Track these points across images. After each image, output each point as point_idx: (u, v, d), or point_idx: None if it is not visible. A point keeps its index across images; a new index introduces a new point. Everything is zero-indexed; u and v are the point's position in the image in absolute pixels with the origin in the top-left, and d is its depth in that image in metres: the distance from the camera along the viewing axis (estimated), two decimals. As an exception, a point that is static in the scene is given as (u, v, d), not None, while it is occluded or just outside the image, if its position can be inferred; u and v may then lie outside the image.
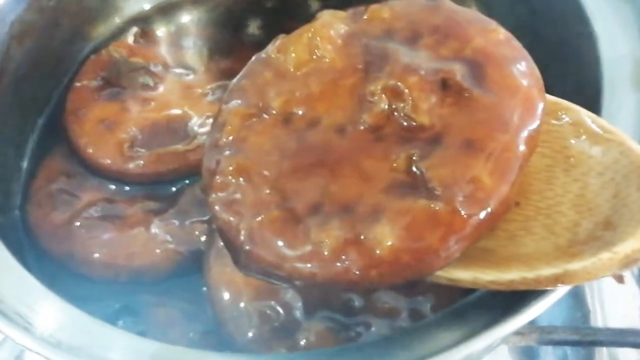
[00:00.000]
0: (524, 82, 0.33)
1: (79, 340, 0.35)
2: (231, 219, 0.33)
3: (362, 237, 0.30)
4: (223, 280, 0.45)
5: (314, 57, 0.37)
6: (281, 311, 0.43)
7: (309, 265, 0.30)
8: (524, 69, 0.33)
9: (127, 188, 0.52)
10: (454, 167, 0.31)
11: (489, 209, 0.30)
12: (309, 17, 0.38)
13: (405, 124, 0.33)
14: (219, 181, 0.34)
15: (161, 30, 0.62)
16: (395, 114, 0.34)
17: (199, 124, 0.53)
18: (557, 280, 0.31)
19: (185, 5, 0.63)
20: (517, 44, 0.35)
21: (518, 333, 0.54)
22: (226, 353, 0.42)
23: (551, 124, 0.35)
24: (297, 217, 0.32)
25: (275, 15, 0.62)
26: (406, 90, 0.34)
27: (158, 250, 0.48)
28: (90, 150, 0.52)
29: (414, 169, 0.32)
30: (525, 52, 0.34)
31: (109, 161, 0.52)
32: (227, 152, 0.35)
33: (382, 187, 0.32)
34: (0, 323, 0.35)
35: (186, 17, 0.63)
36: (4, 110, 0.53)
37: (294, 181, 0.33)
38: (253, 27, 0.62)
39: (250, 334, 0.43)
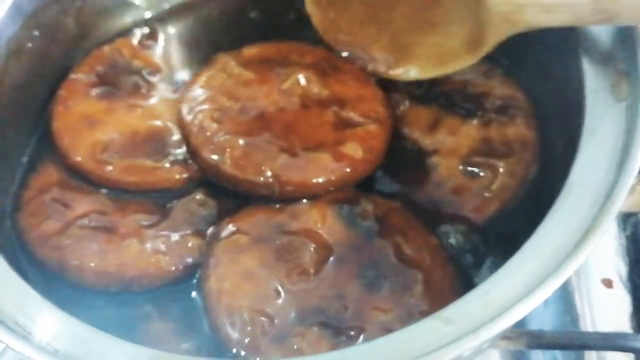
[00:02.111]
0: None
1: (76, 348, 0.36)
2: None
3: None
4: (220, 288, 0.46)
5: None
6: (276, 317, 0.44)
7: (269, 171, 0.48)
8: None
9: (120, 200, 0.52)
10: (359, 107, 0.52)
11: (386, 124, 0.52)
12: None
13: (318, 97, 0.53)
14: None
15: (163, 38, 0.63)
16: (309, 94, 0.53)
17: (177, 144, 0.53)
18: None
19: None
20: None
21: (507, 337, 0.55)
22: (220, 359, 0.44)
23: None
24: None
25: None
26: (304, 80, 0.54)
27: (150, 261, 0.48)
28: (66, 143, 0.53)
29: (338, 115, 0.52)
30: None
31: (79, 158, 0.52)
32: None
33: (322, 129, 0.51)
34: (0, 332, 0.36)
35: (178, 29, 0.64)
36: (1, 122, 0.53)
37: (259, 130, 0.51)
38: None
39: (246, 340, 0.43)
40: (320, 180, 0.49)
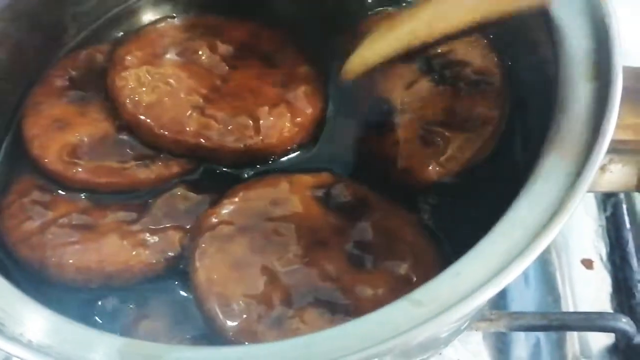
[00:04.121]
0: None
1: (50, 339, 0.35)
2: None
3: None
4: (209, 278, 0.45)
5: None
6: (270, 302, 0.44)
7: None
8: None
9: (100, 201, 0.51)
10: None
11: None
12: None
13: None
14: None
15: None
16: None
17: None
18: None
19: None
20: None
21: (487, 319, 0.56)
22: (219, 347, 0.43)
23: None
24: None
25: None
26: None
27: (131, 255, 0.48)
28: (36, 145, 0.53)
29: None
30: None
31: (46, 160, 0.52)
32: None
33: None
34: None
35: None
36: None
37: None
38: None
39: (242, 327, 0.43)
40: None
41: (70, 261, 0.48)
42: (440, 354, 0.59)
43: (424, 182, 0.50)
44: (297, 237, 0.47)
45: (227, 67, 0.56)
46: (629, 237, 0.66)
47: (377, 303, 0.41)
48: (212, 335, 0.44)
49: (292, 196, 0.49)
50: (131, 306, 0.48)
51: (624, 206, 0.68)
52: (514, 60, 0.55)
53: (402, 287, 0.44)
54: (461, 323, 0.47)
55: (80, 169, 0.52)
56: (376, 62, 0.49)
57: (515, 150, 0.51)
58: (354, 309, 0.44)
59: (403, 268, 0.46)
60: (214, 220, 0.48)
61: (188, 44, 0.57)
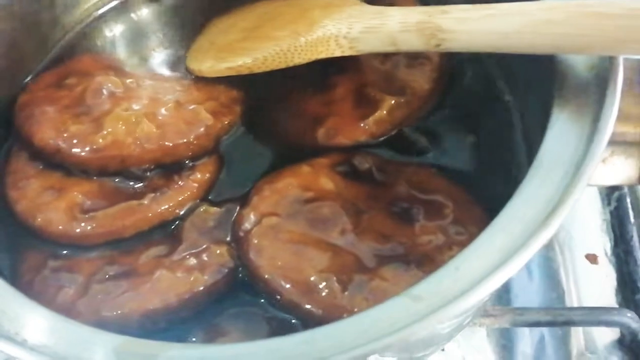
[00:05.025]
0: None
1: (45, 338, 0.35)
2: None
3: None
4: (277, 269, 0.45)
5: None
6: (344, 271, 0.44)
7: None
8: None
9: (120, 248, 0.49)
10: None
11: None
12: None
13: None
14: None
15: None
16: None
17: (143, 172, 0.52)
18: None
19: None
20: None
21: (490, 315, 0.55)
22: (215, 344, 0.43)
23: None
24: None
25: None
26: None
27: (190, 281, 0.46)
28: (40, 220, 0.50)
29: None
30: None
31: (60, 227, 0.49)
32: None
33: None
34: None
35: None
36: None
37: None
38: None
39: (327, 301, 0.43)
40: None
41: (132, 309, 0.45)
42: (443, 350, 0.58)
43: (347, 144, 0.52)
44: (339, 211, 0.47)
45: None
46: (634, 231, 0.66)
47: (437, 247, 0.45)
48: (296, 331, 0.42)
49: (318, 177, 0.50)
50: (203, 330, 0.46)
51: (628, 200, 0.68)
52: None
53: (453, 228, 0.46)
54: (463, 319, 0.47)
55: (98, 222, 0.49)
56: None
57: (517, 141, 0.51)
58: (421, 257, 0.45)
59: (448, 210, 0.47)
60: (255, 217, 0.48)
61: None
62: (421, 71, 0.54)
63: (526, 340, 0.61)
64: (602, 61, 0.41)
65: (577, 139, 0.39)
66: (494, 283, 0.34)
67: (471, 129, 0.53)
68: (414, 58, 0.55)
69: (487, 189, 0.49)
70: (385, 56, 0.55)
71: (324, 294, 0.43)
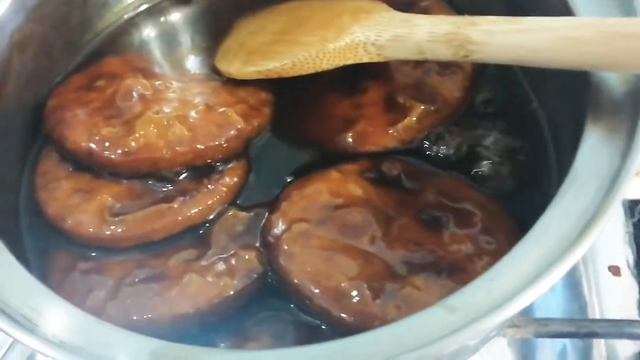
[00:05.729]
0: None
1: (82, 340, 0.36)
2: None
3: None
4: (307, 275, 0.45)
5: None
6: (375, 279, 0.44)
7: None
8: None
9: (149, 251, 0.49)
10: None
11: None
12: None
13: None
14: None
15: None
16: None
17: (174, 176, 0.52)
18: None
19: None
20: None
21: (514, 325, 0.55)
22: (250, 350, 0.43)
23: None
24: None
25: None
26: None
27: (220, 286, 0.46)
28: (70, 223, 0.50)
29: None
30: None
31: (90, 229, 0.49)
32: None
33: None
34: (7, 326, 0.36)
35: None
36: (8, 119, 0.53)
37: None
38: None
39: (358, 308, 0.43)
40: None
41: (162, 313, 0.45)
42: (466, 359, 0.58)
43: (376, 149, 0.52)
44: (369, 218, 0.47)
45: None
46: (657, 244, 0.66)
47: (468, 256, 0.45)
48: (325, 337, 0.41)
49: (347, 184, 0.50)
50: (232, 335, 0.46)
51: (652, 212, 0.68)
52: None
53: (482, 237, 0.46)
54: (494, 331, 0.47)
55: (127, 225, 0.49)
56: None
57: (549, 160, 0.51)
58: (452, 266, 0.45)
59: (477, 218, 0.47)
60: (284, 223, 0.48)
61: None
62: (452, 79, 0.54)
63: (547, 351, 0.61)
64: (636, 76, 0.41)
65: (612, 153, 0.39)
66: (529, 297, 0.34)
67: (498, 136, 0.53)
68: (446, 66, 0.55)
69: (517, 199, 0.49)
70: (417, 62, 0.55)
71: (355, 300, 0.43)
